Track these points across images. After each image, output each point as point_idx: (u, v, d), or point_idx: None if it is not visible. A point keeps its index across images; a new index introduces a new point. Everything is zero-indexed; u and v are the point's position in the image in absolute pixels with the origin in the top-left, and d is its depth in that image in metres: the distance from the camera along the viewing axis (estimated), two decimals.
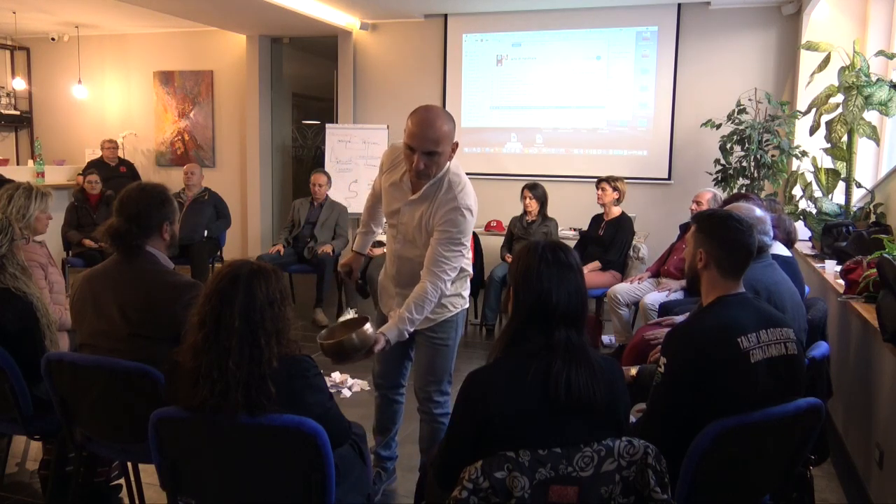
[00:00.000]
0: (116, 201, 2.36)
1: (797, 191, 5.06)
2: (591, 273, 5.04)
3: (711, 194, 4.62)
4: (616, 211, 5.31)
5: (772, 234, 2.79)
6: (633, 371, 2.62)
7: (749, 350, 1.85)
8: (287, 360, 1.78)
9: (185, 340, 1.79)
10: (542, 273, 1.65)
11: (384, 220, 2.85)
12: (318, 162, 8.77)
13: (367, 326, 2.22)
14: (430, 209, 2.45)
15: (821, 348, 2.45)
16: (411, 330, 2.42)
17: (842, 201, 4.67)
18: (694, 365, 1.86)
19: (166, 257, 2.40)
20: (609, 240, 5.25)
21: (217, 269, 1.82)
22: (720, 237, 1.99)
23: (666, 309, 3.98)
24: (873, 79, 4.28)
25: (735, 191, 5.77)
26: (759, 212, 2.73)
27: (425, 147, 2.30)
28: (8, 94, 8.84)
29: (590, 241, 5.38)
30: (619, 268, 5.25)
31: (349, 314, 6.29)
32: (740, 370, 1.84)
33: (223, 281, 1.74)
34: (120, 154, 7.97)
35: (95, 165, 7.46)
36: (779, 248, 3.09)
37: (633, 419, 2.11)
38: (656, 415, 1.94)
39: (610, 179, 5.29)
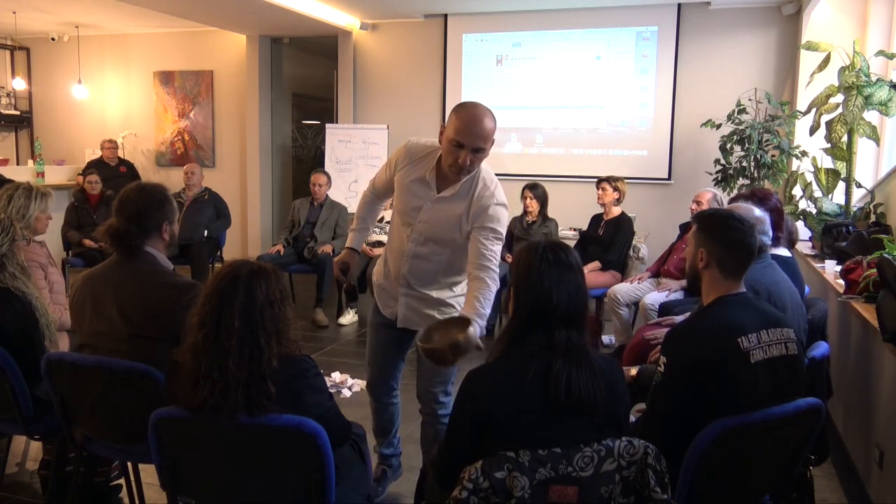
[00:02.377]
0: (116, 201, 2.35)
1: (797, 191, 5.06)
2: (591, 273, 5.04)
3: (712, 194, 4.62)
4: (616, 211, 5.31)
5: (771, 234, 2.78)
6: (633, 371, 2.62)
7: (749, 350, 1.85)
8: (287, 360, 1.78)
9: (184, 341, 1.79)
10: (543, 273, 1.65)
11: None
12: (318, 162, 8.77)
13: (472, 329, 2.09)
14: (468, 206, 2.44)
15: (821, 348, 2.45)
16: (484, 325, 2.35)
17: (842, 201, 4.67)
18: (694, 365, 1.85)
19: (165, 258, 2.40)
20: (608, 240, 5.25)
21: (217, 270, 1.82)
22: (721, 237, 1.99)
23: (666, 309, 3.98)
24: (873, 79, 4.28)
25: (735, 191, 5.78)
26: (758, 212, 2.72)
27: (475, 144, 2.30)
28: (8, 94, 8.84)
29: (590, 241, 5.38)
30: (619, 268, 5.24)
31: (349, 314, 6.28)
32: (740, 370, 1.84)
33: (223, 281, 1.74)
34: (120, 154, 7.97)
35: (95, 165, 7.46)
36: (780, 249, 3.08)
37: (633, 419, 2.11)
38: (656, 414, 1.94)
39: (610, 179, 5.29)
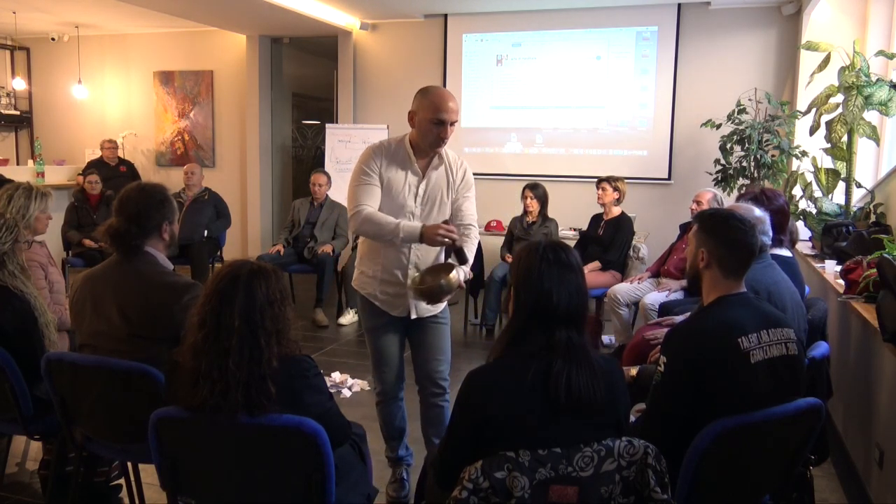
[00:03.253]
0: (116, 201, 2.35)
1: (797, 191, 5.06)
2: (591, 273, 5.04)
3: (712, 194, 4.62)
4: (616, 211, 5.31)
5: (772, 234, 2.78)
6: (633, 371, 2.62)
7: (749, 350, 1.85)
8: (287, 360, 1.78)
9: (184, 341, 1.79)
10: (544, 273, 1.65)
11: None
12: (318, 162, 8.77)
13: (454, 272, 2.49)
14: (451, 175, 2.74)
15: (821, 348, 2.44)
16: (468, 271, 2.67)
17: (842, 201, 4.67)
18: (693, 364, 1.85)
19: (165, 258, 2.40)
20: (608, 239, 5.25)
21: (217, 270, 1.82)
22: (722, 236, 1.99)
23: (666, 309, 3.98)
24: (873, 79, 4.28)
25: (735, 191, 5.78)
26: (758, 211, 2.72)
27: (453, 118, 2.59)
28: (8, 94, 8.84)
29: (590, 241, 5.38)
30: (619, 268, 5.24)
31: (349, 314, 6.29)
32: (740, 370, 1.84)
33: (223, 281, 1.74)
34: (120, 154, 7.97)
35: (95, 165, 7.46)
36: (782, 249, 3.08)
37: (632, 419, 2.11)
38: (656, 414, 1.94)
39: (610, 179, 5.29)
